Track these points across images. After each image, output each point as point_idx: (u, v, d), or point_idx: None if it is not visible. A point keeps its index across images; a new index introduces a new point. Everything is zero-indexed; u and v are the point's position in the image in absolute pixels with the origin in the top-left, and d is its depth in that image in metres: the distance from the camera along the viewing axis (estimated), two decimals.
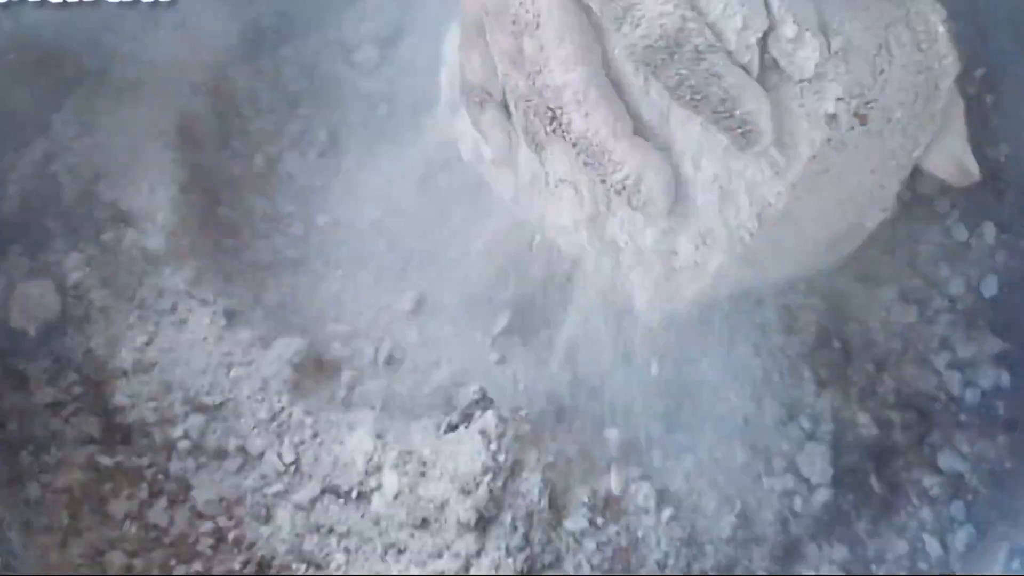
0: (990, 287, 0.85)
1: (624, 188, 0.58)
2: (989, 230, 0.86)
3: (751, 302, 0.84)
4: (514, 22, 0.59)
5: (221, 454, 0.76)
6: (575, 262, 0.68)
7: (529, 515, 0.71)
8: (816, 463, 0.78)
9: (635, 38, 0.54)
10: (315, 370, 0.81)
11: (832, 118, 0.55)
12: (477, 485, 0.71)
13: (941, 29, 0.59)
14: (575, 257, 0.67)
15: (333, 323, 0.84)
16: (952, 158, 0.62)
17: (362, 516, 0.73)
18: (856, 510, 0.79)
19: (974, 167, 0.62)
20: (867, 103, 0.57)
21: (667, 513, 0.75)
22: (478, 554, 0.71)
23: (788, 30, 0.54)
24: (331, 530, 0.74)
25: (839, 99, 0.55)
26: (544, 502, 0.71)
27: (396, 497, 0.72)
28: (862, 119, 0.57)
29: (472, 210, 0.77)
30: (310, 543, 0.73)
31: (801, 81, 0.55)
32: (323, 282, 0.86)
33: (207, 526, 0.74)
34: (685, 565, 0.74)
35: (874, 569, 0.78)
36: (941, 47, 0.59)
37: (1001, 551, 0.73)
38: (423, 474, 0.73)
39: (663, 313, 0.65)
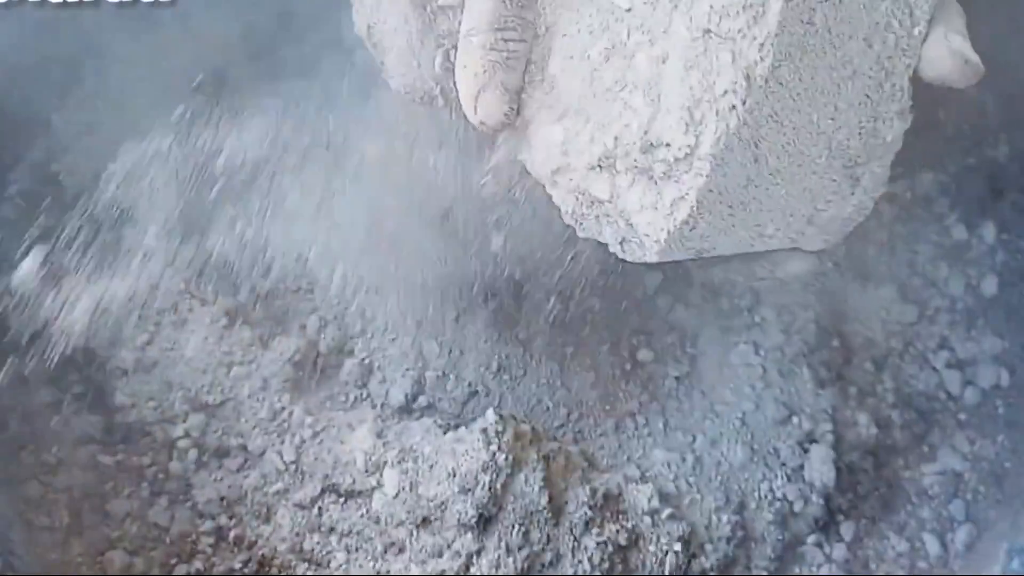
0: (990, 287, 0.85)
1: None
2: (989, 230, 0.86)
3: (750, 300, 0.84)
4: None
5: (222, 453, 0.76)
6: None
7: (529, 515, 0.71)
8: (816, 463, 0.78)
9: None
10: (315, 369, 0.81)
11: None
12: (477, 484, 0.70)
13: None
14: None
15: (333, 322, 0.84)
16: (953, 52, 0.58)
17: (362, 515, 0.73)
18: (856, 510, 0.79)
19: (977, 60, 0.58)
20: None
21: (667, 513, 0.75)
22: (478, 553, 0.71)
23: None
24: (331, 529, 0.74)
25: None
26: (544, 502, 0.71)
27: (396, 496, 0.72)
28: None
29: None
30: (310, 542, 0.73)
31: None
32: (323, 281, 0.86)
33: (208, 525, 0.74)
34: (685, 565, 0.74)
35: (874, 569, 0.78)
36: None
37: (1001, 551, 0.73)
38: (423, 473, 0.73)
39: (668, 233, 0.57)
